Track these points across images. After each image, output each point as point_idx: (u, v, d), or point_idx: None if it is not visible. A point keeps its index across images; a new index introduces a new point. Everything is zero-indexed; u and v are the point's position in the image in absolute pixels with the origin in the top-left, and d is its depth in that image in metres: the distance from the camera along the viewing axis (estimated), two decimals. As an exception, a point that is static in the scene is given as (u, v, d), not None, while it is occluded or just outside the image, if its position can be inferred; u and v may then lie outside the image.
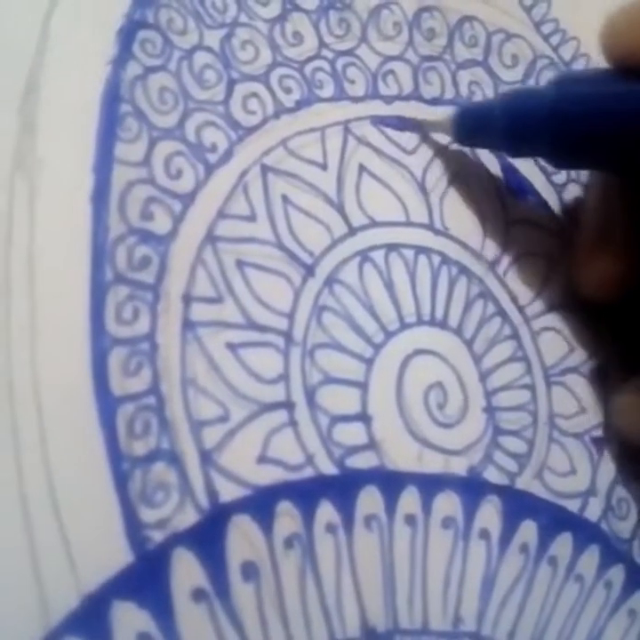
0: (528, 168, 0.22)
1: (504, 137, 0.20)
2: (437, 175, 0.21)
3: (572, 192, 0.23)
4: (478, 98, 0.23)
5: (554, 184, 0.23)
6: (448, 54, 0.23)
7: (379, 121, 0.21)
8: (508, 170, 0.22)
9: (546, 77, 0.24)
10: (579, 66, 0.25)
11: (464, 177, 0.21)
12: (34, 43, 0.17)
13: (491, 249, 0.21)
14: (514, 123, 0.20)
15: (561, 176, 0.23)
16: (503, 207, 0.22)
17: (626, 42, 0.18)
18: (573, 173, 0.23)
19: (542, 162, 0.23)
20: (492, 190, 0.22)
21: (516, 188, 0.22)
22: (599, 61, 0.19)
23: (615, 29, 0.18)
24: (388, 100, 0.21)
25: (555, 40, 0.25)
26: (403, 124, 0.21)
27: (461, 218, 0.21)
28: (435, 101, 0.22)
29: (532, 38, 0.24)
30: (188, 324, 0.17)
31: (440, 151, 0.21)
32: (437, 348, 0.20)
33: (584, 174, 0.23)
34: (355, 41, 0.21)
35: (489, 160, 0.22)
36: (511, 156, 0.22)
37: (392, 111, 0.21)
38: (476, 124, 0.21)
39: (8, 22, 0.17)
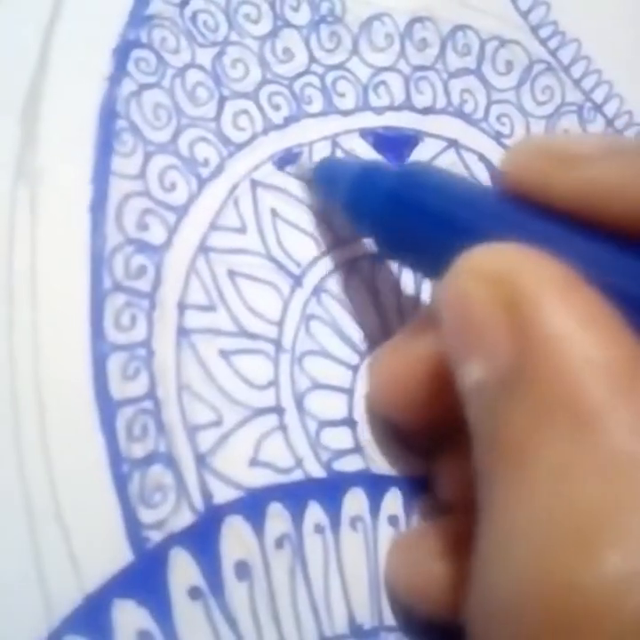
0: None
1: (344, 204, 0.19)
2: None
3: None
4: (470, 106, 0.23)
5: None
6: (440, 63, 0.23)
7: (368, 133, 0.21)
8: (497, 178, 0.22)
9: (542, 83, 0.24)
10: (578, 69, 0.25)
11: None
12: (35, 56, 0.17)
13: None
14: (353, 193, 0.19)
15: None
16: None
17: (520, 170, 0.17)
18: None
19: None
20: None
21: None
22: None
23: (513, 157, 0.17)
24: (379, 110, 0.22)
25: (553, 43, 0.25)
26: (394, 133, 0.21)
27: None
28: (427, 110, 0.22)
29: (529, 43, 0.25)
30: (182, 331, 0.18)
31: None
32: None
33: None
34: (346, 54, 0.22)
35: (477, 168, 0.23)
36: (353, 226, 0.20)
37: (383, 122, 0.22)
38: (329, 180, 0.20)
39: (11, 35, 0.17)
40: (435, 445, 0.19)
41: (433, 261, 0.17)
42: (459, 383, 0.15)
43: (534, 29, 0.25)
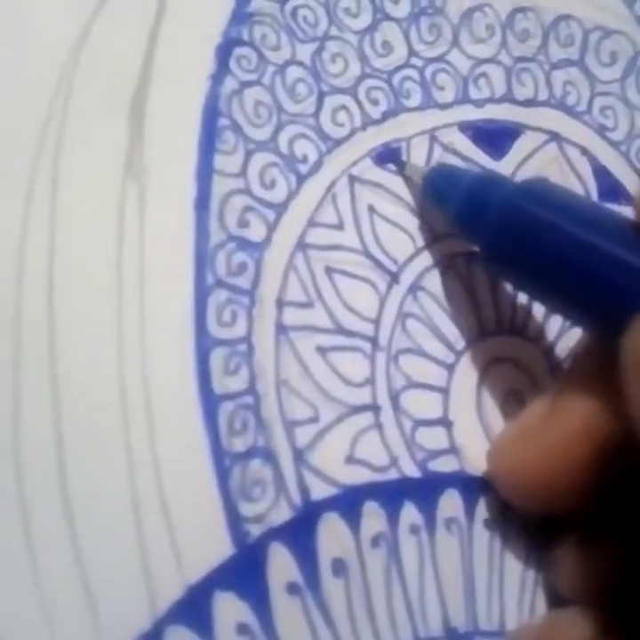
0: (621, 171, 0.22)
1: (455, 212, 0.19)
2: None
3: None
4: (573, 98, 0.22)
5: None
6: (542, 55, 0.22)
7: (468, 126, 0.21)
8: (600, 172, 0.22)
9: None
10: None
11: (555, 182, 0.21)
12: (141, 56, 0.18)
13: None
14: (466, 202, 0.18)
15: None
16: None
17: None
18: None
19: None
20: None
21: (607, 191, 0.22)
22: None
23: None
24: (479, 103, 0.21)
25: None
26: (494, 126, 0.21)
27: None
28: (528, 103, 0.22)
29: (634, 33, 0.24)
30: (280, 328, 0.18)
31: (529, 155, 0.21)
32: (516, 357, 0.20)
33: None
34: (446, 46, 0.21)
35: (580, 162, 0.22)
36: (460, 233, 0.19)
37: (483, 114, 0.21)
38: (440, 189, 0.19)
39: (118, 36, 0.18)
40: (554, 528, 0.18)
41: (543, 283, 0.17)
42: None
43: None
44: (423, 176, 0.20)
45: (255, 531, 0.16)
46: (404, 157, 0.20)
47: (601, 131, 0.23)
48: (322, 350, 0.18)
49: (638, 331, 0.14)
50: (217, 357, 0.17)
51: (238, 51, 0.19)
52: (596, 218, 0.17)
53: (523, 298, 0.20)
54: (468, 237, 0.19)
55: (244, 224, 0.18)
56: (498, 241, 0.18)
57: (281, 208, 0.18)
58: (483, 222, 0.18)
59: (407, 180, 0.20)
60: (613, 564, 0.17)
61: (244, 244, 0.18)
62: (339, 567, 0.17)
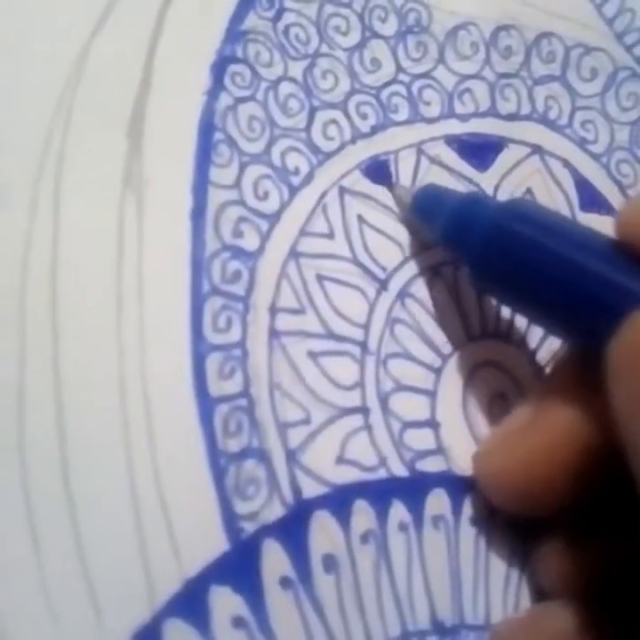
0: (602, 182, 0.23)
1: (441, 231, 0.19)
2: (509, 192, 0.22)
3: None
4: (555, 112, 0.23)
5: (629, 198, 0.23)
6: (525, 71, 0.23)
7: (453, 140, 0.22)
8: (581, 184, 0.23)
9: (626, 90, 0.24)
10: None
11: (536, 193, 0.22)
12: (139, 73, 0.18)
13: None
14: (452, 221, 0.19)
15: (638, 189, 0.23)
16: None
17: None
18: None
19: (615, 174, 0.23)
20: (563, 206, 0.23)
21: (588, 202, 0.23)
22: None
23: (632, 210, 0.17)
24: (464, 117, 0.22)
25: (639, 50, 0.25)
26: (478, 140, 0.22)
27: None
28: (511, 117, 0.23)
29: (614, 50, 0.25)
30: (273, 333, 0.18)
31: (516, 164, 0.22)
32: (501, 360, 0.21)
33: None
34: (432, 63, 0.22)
35: (562, 174, 0.23)
36: (446, 249, 0.20)
37: (468, 128, 0.22)
38: (428, 209, 0.20)
39: (117, 54, 0.18)
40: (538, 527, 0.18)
41: (528, 298, 0.17)
42: (635, 458, 0.14)
43: (619, 36, 0.25)
44: (412, 196, 0.20)
45: (249, 527, 0.17)
46: (392, 172, 0.21)
47: (582, 143, 0.24)
48: (313, 355, 0.19)
49: (623, 337, 0.15)
50: (213, 362, 0.17)
51: (233, 68, 0.20)
52: (578, 235, 0.18)
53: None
54: (455, 255, 0.20)
55: (238, 234, 0.19)
56: (483, 258, 0.18)
57: (274, 218, 0.19)
58: (468, 240, 0.18)
59: (396, 199, 0.20)
60: (597, 562, 0.18)
61: (238, 252, 0.19)
62: (330, 563, 0.17)
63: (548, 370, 0.21)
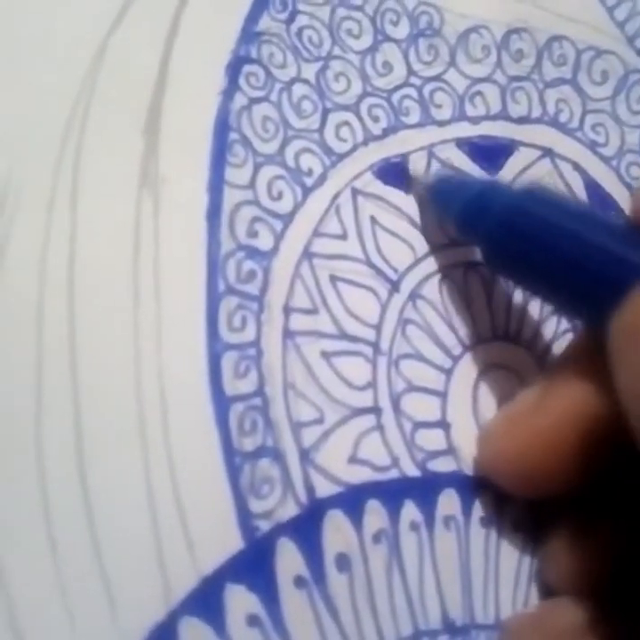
0: (612, 185, 0.23)
1: (458, 214, 0.19)
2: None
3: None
4: (565, 115, 0.23)
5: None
6: (536, 74, 0.23)
7: (464, 143, 0.22)
8: (591, 186, 0.23)
9: (637, 93, 0.24)
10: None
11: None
12: (155, 73, 0.18)
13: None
14: (469, 205, 0.19)
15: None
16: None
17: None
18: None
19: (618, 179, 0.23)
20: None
21: (599, 205, 0.23)
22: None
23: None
24: (475, 120, 0.22)
25: None
26: (489, 143, 0.22)
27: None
28: (522, 120, 0.23)
29: (625, 53, 0.25)
30: (287, 333, 0.18)
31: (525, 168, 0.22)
32: (510, 362, 0.21)
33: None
34: (443, 66, 0.22)
35: (573, 177, 0.23)
36: (462, 235, 0.20)
37: (479, 131, 0.22)
38: (445, 195, 0.20)
39: (134, 53, 0.18)
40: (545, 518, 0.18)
41: (543, 279, 0.18)
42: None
43: (630, 40, 0.25)
44: (428, 184, 0.20)
45: (264, 526, 0.17)
46: (405, 170, 0.21)
47: (592, 146, 0.24)
48: (326, 355, 0.19)
49: (624, 315, 0.15)
50: (228, 361, 0.17)
51: (247, 68, 0.20)
52: (591, 217, 0.18)
53: (517, 306, 0.21)
54: (471, 238, 0.20)
55: (252, 234, 0.19)
56: (499, 240, 0.18)
57: (287, 219, 0.19)
58: (485, 223, 0.19)
59: (412, 189, 0.21)
60: (603, 557, 0.18)
61: (252, 252, 0.19)
62: (343, 562, 0.17)
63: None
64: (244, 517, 0.16)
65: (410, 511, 0.18)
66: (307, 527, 0.17)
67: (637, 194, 0.17)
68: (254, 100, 0.20)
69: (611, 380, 0.15)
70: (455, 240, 0.21)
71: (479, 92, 0.23)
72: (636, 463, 0.15)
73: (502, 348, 0.21)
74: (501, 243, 0.18)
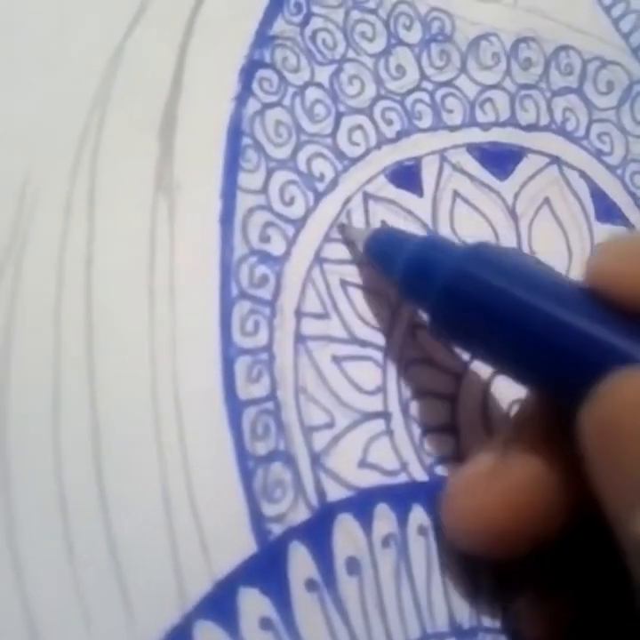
0: (617, 193, 0.24)
1: (400, 278, 0.18)
2: (527, 201, 0.22)
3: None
4: (572, 124, 0.24)
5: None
6: (544, 82, 0.24)
7: (475, 148, 0.22)
8: (597, 195, 0.23)
9: None
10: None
11: (553, 203, 0.23)
12: (170, 78, 0.19)
13: (576, 273, 0.22)
14: (410, 268, 0.18)
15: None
16: (590, 232, 0.23)
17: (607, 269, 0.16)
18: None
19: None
20: (579, 216, 0.23)
21: (604, 213, 0.23)
22: None
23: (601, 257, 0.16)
24: (485, 126, 0.23)
25: None
26: (499, 149, 0.22)
27: (549, 243, 0.22)
28: (530, 127, 0.23)
29: (629, 64, 0.25)
30: (299, 338, 0.19)
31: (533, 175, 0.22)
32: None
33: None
34: (454, 72, 0.23)
35: (579, 185, 0.23)
36: (404, 296, 0.19)
37: (489, 137, 0.23)
38: (384, 255, 0.19)
39: (149, 59, 0.18)
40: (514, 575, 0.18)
41: (492, 347, 0.17)
42: (618, 529, 0.14)
43: (635, 51, 0.26)
44: (364, 240, 0.19)
45: (277, 530, 0.17)
46: (418, 174, 0.21)
47: (598, 155, 0.24)
48: (337, 359, 0.19)
49: (597, 409, 0.15)
50: (241, 365, 0.17)
51: (261, 73, 0.20)
52: (545, 282, 0.17)
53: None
54: (415, 304, 0.19)
55: (265, 239, 0.19)
56: (445, 307, 0.17)
57: (299, 224, 0.19)
58: (428, 288, 0.17)
59: (348, 243, 0.20)
60: (570, 611, 0.18)
61: (265, 257, 0.19)
62: (353, 565, 0.17)
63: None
64: (257, 521, 0.17)
65: (418, 516, 0.19)
66: (318, 531, 0.17)
67: (590, 258, 0.17)
68: (267, 105, 0.20)
69: (564, 446, 0.15)
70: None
71: (489, 99, 0.23)
72: (592, 532, 0.16)
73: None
74: (447, 311, 0.17)
